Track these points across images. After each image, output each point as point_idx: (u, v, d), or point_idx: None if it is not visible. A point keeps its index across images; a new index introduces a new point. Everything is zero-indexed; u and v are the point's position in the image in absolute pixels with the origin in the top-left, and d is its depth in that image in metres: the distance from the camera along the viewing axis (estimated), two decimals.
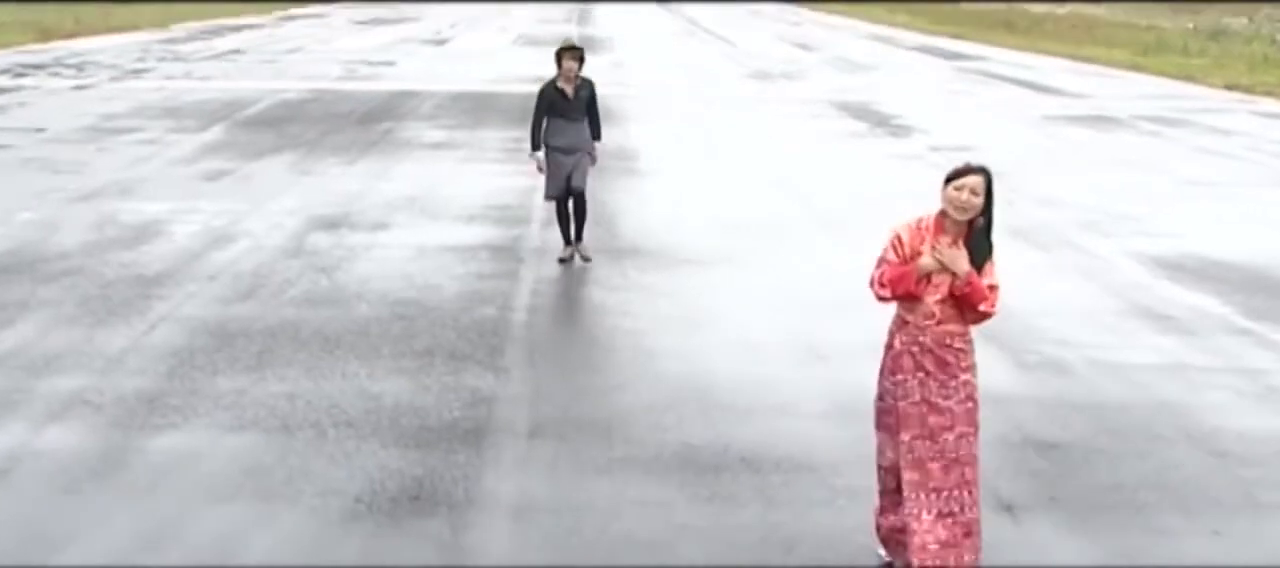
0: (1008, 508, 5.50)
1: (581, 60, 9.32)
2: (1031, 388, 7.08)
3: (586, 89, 9.33)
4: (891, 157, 15.55)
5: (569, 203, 9.42)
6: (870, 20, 51.07)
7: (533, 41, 34.77)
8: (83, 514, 5.27)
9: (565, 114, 9.24)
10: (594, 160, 9.51)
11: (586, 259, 9.48)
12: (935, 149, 15.97)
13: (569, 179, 9.25)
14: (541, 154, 9.32)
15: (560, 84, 9.24)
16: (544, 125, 9.27)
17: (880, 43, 37.72)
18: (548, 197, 9.52)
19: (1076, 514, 5.45)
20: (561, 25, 45.01)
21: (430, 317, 8.19)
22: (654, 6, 58.68)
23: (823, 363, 7.44)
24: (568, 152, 9.26)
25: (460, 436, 6.18)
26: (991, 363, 7.35)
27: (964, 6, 63.87)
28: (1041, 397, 6.93)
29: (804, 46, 36.35)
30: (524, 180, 13.05)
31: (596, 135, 9.46)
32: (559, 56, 9.28)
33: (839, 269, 9.71)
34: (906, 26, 46.52)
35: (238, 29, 38.75)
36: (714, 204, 12.33)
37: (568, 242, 9.53)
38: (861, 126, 18.25)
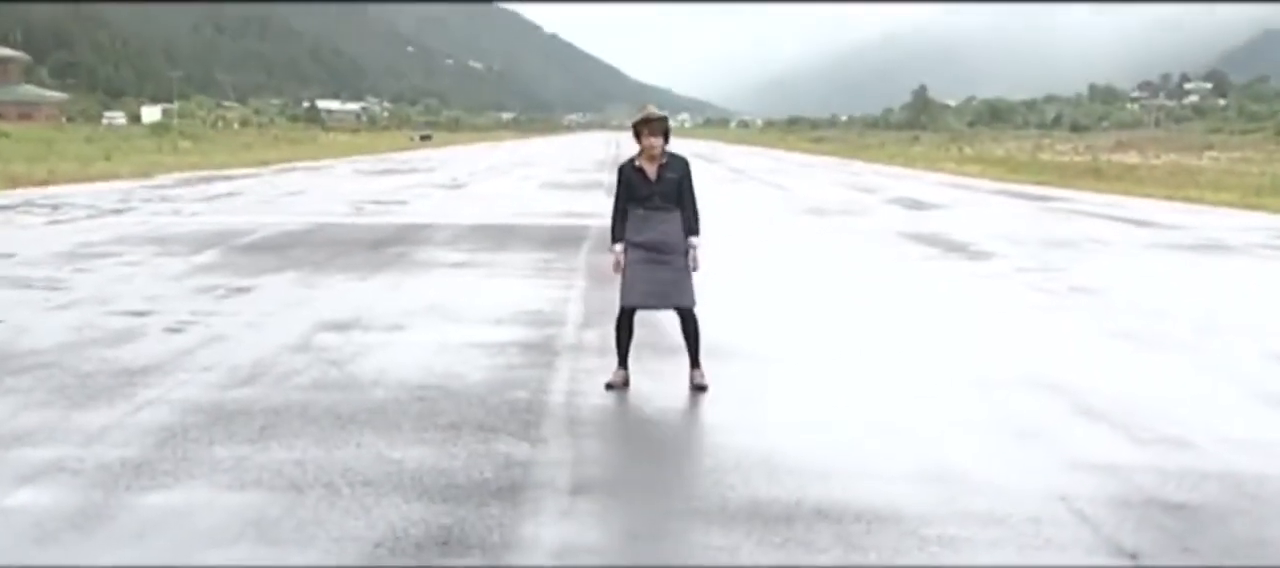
0: (1132, 556, 5.41)
1: (666, 134, 8.34)
2: (1151, 459, 6.98)
3: (676, 169, 8.36)
4: (970, 275, 15.58)
5: (634, 317, 8.56)
6: (937, 170, 51.78)
7: (558, 185, 35.41)
8: (61, 559, 5.24)
9: (647, 200, 8.32)
10: (697, 265, 8.47)
11: (701, 387, 8.43)
12: (1022, 270, 16.01)
13: (661, 292, 8.36)
14: (620, 248, 8.43)
15: (640, 163, 8.37)
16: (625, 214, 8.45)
17: (950, 187, 38.15)
18: (625, 303, 8.48)
19: (1215, 564, 5.34)
20: (592, 173, 45.89)
21: (455, 399, 8.20)
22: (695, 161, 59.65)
23: (903, 438, 7.37)
24: (654, 249, 8.29)
25: (493, 492, 6.16)
26: (1101, 438, 7.37)
27: (1043, 158, 64.81)
28: (1164, 466, 6.83)
29: (865, 190, 36.81)
30: (557, 292, 13.27)
31: (694, 229, 8.42)
32: (638, 131, 8.30)
33: (917, 362, 9.72)
34: (979, 175, 47.11)
35: (231, 178, 39.63)
36: (770, 309, 12.38)
37: (621, 362, 8.56)
38: (933, 251, 18.35)
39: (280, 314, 11.75)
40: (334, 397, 8.25)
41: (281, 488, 6.22)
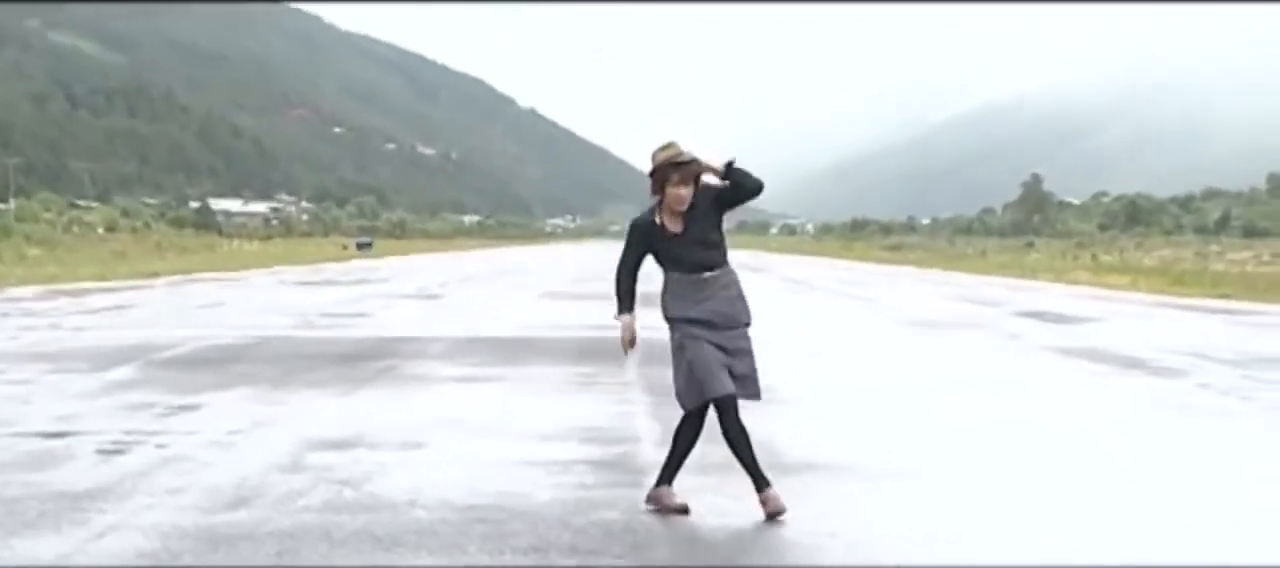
0: None
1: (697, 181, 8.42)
2: None
3: (704, 200, 8.45)
4: (1166, 393, 15.71)
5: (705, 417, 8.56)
6: (1065, 281, 52.22)
7: (564, 295, 35.83)
8: None
9: (682, 261, 8.54)
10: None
11: (776, 513, 8.40)
12: (1236, 392, 16.14)
13: (740, 376, 8.43)
14: (628, 318, 8.73)
15: (661, 219, 8.55)
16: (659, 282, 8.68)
17: (1095, 301, 38.47)
18: (713, 393, 8.36)
19: None
20: (604, 283, 46.28)
21: (528, 519, 8.40)
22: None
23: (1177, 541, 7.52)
24: (719, 323, 8.44)
25: None
26: None
27: (1216, 268, 64.92)
28: None
29: (980, 302, 37.14)
30: (614, 406, 13.54)
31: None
32: (663, 177, 8.42)
33: (1136, 490, 9.91)
34: (1130, 288, 47.31)
35: (114, 291, 39.98)
36: (917, 426, 12.57)
37: (669, 479, 8.73)
38: (1102, 367, 18.54)
39: (250, 432, 11.94)
40: (361, 518, 8.41)
41: None
